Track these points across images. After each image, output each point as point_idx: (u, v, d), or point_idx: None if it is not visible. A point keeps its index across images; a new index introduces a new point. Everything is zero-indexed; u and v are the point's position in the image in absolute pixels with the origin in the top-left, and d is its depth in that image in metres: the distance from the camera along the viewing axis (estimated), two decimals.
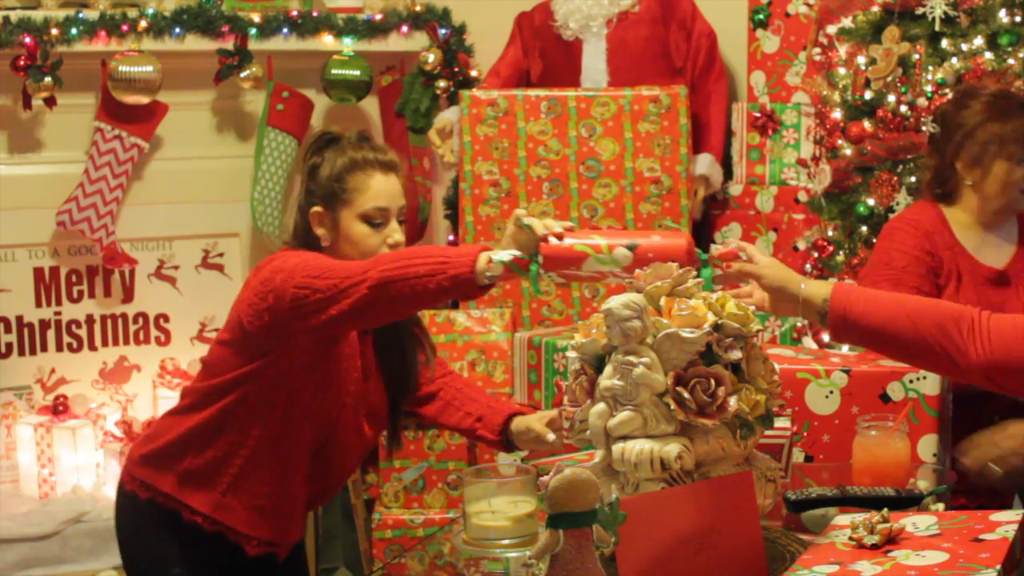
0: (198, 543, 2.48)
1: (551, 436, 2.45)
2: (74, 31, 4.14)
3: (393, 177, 2.48)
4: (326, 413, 2.46)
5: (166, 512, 2.49)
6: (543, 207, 4.07)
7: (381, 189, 2.45)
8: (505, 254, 2.13)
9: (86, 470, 4.23)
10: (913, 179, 3.51)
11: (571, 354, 1.97)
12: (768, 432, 2.00)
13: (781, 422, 2.24)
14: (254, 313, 2.37)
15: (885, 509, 1.89)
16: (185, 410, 2.52)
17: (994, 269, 2.90)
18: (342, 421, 2.49)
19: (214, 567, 2.51)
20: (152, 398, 4.47)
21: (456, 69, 4.60)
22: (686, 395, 1.84)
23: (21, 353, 4.31)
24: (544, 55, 4.40)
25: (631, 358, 1.84)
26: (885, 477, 2.25)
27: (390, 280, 2.16)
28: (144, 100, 4.24)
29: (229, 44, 4.36)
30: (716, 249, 2.20)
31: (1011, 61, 3.39)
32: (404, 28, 4.61)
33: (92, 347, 4.42)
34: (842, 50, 3.70)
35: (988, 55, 3.41)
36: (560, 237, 2.15)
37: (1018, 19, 3.43)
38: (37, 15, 4.11)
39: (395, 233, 2.45)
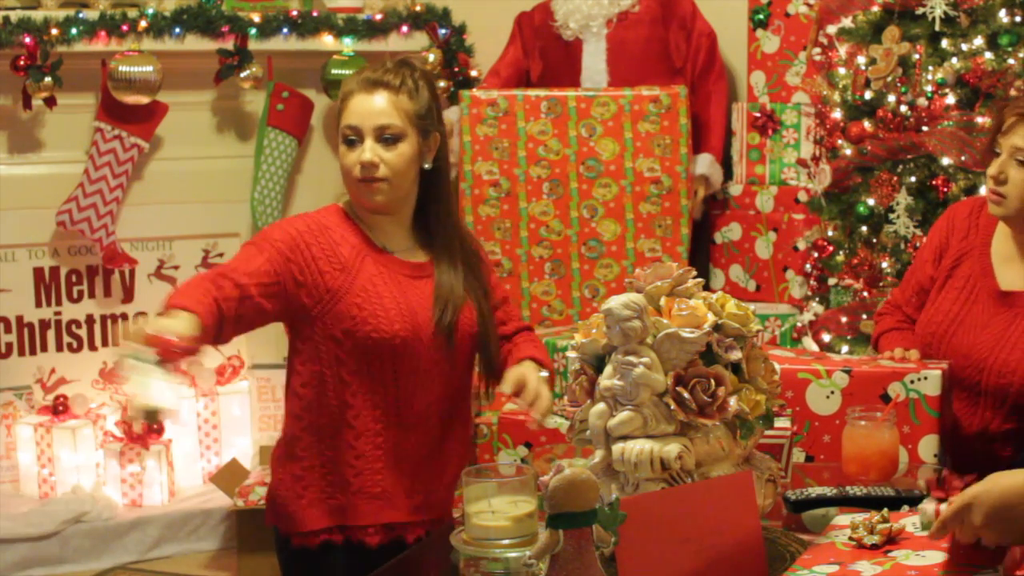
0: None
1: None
2: (74, 31, 4.14)
3: (378, 95, 2.38)
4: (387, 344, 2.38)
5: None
6: (543, 207, 4.08)
7: (355, 108, 2.38)
8: None
9: (86, 470, 4.23)
10: (913, 179, 3.51)
11: (571, 354, 1.97)
12: (768, 432, 2.00)
13: (781, 422, 2.24)
14: None
15: (885, 509, 1.89)
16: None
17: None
18: (409, 360, 2.41)
19: None
20: None
21: (456, 69, 4.60)
22: (686, 395, 1.83)
23: (21, 353, 4.31)
24: (544, 55, 4.40)
25: (631, 358, 1.84)
26: (871, 467, 2.28)
27: None
28: (144, 100, 4.24)
29: (229, 44, 4.36)
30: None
31: (1011, 61, 3.39)
32: (404, 28, 4.61)
33: (92, 347, 4.42)
34: (842, 50, 3.70)
35: (988, 55, 3.40)
36: None
37: (1018, 19, 3.43)
38: (37, 15, 4.11)
39: (366, 152, 2.36)
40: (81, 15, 4.17)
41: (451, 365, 2.46)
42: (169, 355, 2.01)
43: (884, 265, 3.55)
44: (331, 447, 2.41)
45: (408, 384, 2.40)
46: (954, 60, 3.44)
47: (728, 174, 4.32)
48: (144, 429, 4.24)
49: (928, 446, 2.43)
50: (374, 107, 2.37)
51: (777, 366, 2.02)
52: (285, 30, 4.45)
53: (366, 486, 2.40)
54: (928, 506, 1.75)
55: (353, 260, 2.38)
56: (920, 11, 3.52)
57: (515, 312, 2.68)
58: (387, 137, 2.37)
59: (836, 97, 3.65)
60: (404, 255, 2.45)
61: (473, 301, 2.49)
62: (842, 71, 3.65)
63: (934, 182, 3.48)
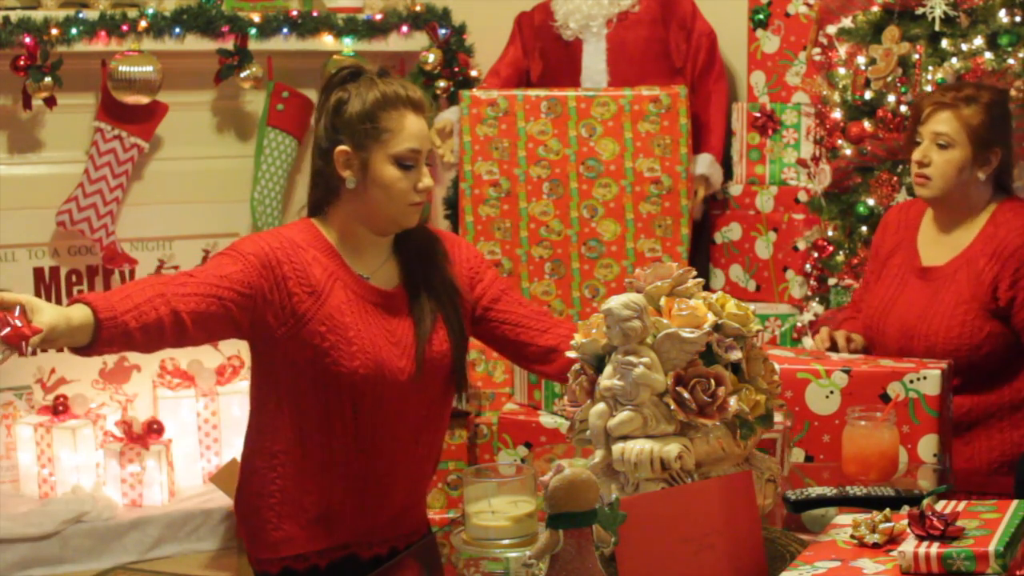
0: None
1: None
2: (74, 31, 4.14)
3: (422, 118, 2.35)
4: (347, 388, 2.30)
5: None
6: (543, 207, 4.08)
7: (415, 130, 2.31)
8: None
9: (86, 470, 4.23)
10: None
11: (571, 354, 1.97)
12: None
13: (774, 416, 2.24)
14: None
15: (888, 509, 1.89)
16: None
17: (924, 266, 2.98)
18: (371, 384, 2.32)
19: None
20: (152, 398, 4.47)
21: (456, 69, 4.60)
22: (686, 395, 1.83)
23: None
24: (544, 55, 4.40)
25: (631, 358, 1.84)
26: (871, 467, 2.29)
27: None
28: (144, 100, 4.24)
29: (229, 44, 4.36)
30: None
31: (1011, 61, 3.39)
32: (404, 28, 4.61)
33: None
34: (842, 50, 3.70)
35: (988, 55, 3.41)
36: None
37: (1018, 19, 3.43)
38: (37, 15, 4.11)
39: (425, 178, 2.34)
40: (81, 15, 4.17)
41: (420, 392, 2.37)
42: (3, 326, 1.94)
43: None
44: (284, 475, 2.33)
45: (369, 417, 2.33)
46: (954, 60, 3.45)
47: (728, 174, 4.33)
48: (144, 429, 4.24)
49: (928, 446, 2.43)
50: (424, 130, 2.35)
51: (777, 366, 2.02)
52: (285, 30, 4.45)
53: (325, 513, 2.34)
54: (907, 547, 1.75)
55: (324, 283, 2.30)
56: (920, 11, 3.52)
57: (520, 297, 2.53)
58: (429, 163, 2.38)
59: (836, 97, 3.66)
60: (377, 279, 2.37)
61: (444, 323, 2.40)
62: (842, 71, 3.65)
63: None
